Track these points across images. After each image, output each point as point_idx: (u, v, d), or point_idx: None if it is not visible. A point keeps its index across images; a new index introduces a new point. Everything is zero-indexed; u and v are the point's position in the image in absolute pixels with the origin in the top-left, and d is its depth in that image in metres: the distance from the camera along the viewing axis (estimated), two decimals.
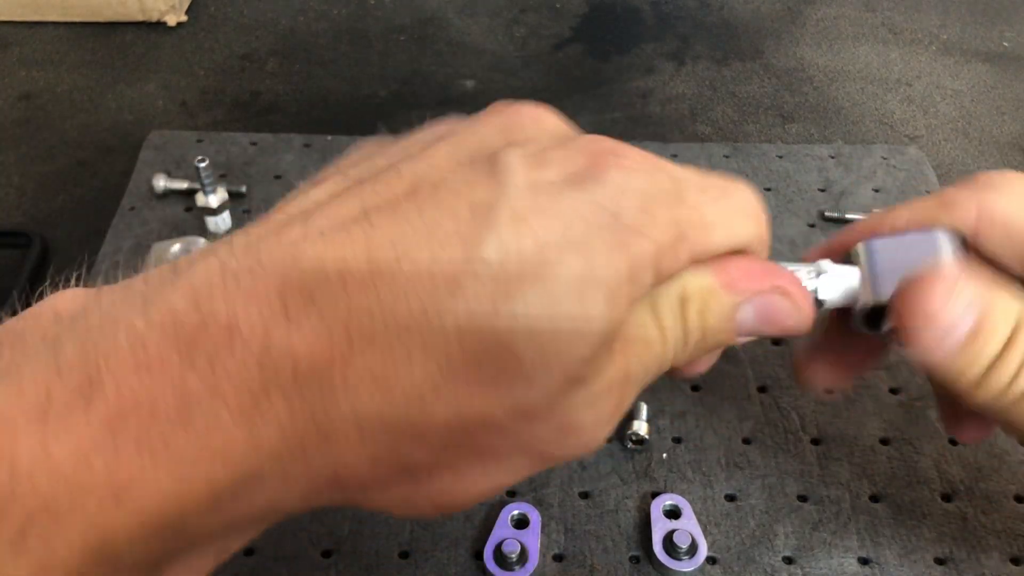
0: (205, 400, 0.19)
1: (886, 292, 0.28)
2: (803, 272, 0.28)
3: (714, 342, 0.25)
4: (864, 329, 0.29)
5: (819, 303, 0.28)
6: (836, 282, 0.28)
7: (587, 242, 0.21)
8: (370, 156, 0.26)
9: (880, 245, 0.29)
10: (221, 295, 0.20)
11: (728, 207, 0.25)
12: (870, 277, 0.28)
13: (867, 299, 0.28)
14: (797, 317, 0.25)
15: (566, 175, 0.22)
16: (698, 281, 0.24)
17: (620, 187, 0.22)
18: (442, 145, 0.24)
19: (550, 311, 0.20)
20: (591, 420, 0.23)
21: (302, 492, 0.21)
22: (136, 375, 0.19)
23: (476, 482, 0.23)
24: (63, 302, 0.22)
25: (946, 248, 0.28)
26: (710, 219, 0.24)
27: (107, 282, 0.23)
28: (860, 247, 0.29)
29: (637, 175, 0.23)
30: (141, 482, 0.18)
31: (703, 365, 0.28)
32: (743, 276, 0.24)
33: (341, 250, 0.20)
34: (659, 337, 0.24)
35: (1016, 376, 0.26)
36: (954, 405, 0.32)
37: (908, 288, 0.26)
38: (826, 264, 0.28)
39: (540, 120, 0.26)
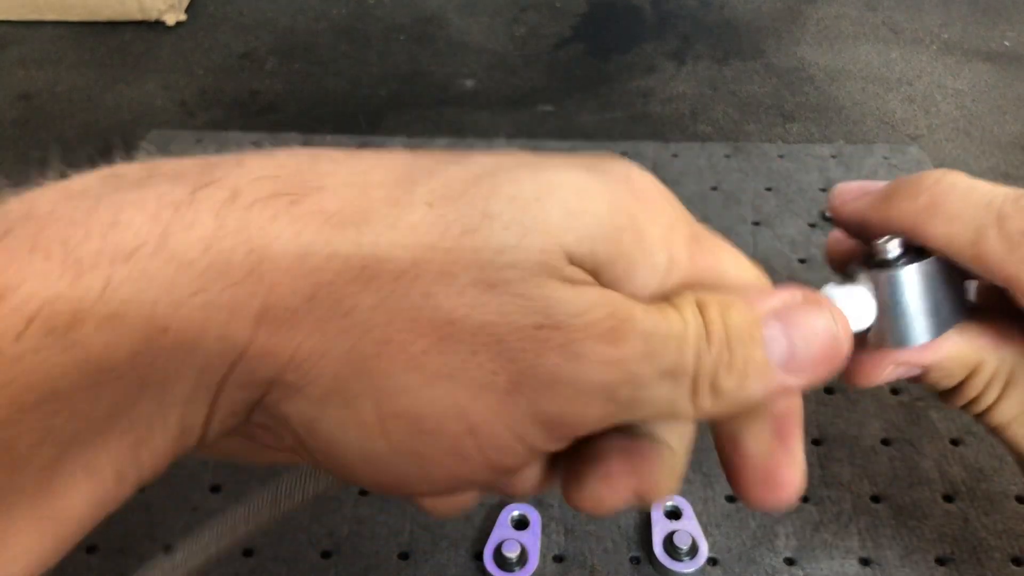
0: None
1: (917, 334, 0.26)
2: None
3: (750, 376, 0.21)
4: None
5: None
6: (851, 309, 0.25)
7: None
8: None
9: (885, 278, 0.26)
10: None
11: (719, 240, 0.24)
12: (889, 305, 0.26)
13: (889, 329, 0.26)
14: (837, 334, 0.22)
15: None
16: (712, 295, 0.22)
17: None
18: None
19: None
20: None
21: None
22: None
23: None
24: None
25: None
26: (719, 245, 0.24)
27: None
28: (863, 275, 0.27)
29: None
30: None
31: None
32: (781, 304, 0.22)
33: None
34: (668, 334, 0.20)
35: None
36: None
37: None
38: (830, 289, 0.26)
39: None
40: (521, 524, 0.39)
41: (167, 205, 0.19)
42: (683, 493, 0.41)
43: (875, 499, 0.41)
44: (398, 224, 0.19)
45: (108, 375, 0.18)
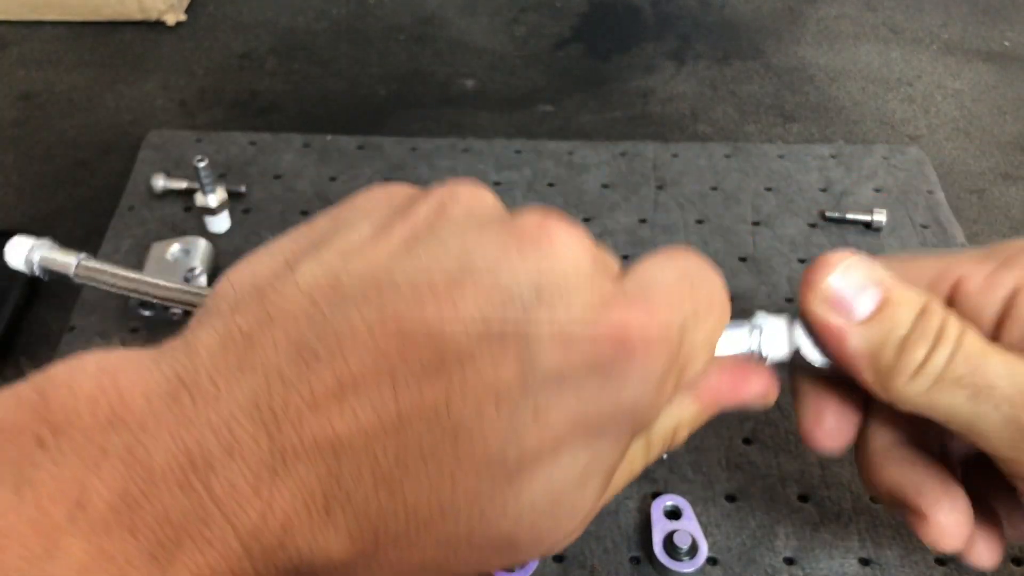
0: None
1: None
2: (744, 332, 0.28)
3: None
4: (808, 368, 0.28)
5: (763, 358, 0.27)
6: (774, 335, 0.27)
7: (599, 432, 0.22)
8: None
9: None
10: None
11: (710, 323, 0.25)
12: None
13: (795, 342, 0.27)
14: (763, 400, 0.27)
15: (585, 361, 0.21)
16: (688, 411, 0.26)
17: (639, 374, 0.22)
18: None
19: (552, 505, 0.22)
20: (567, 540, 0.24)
21: None
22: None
23: None
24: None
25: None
26: (699, 347, 0.24)
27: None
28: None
29: (653, 350, 0.22)
30: None
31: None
32: (722, 393, 0.26)
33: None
34: (643, 459, 0.26)
35: (928, 358, 0.25)
36: (818, 400, 0.29)
37: (807, 274, 0.26)
38: (760, 318, 0.28)
39: (478, 198, 0.24)
40: None
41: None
42: (683, 493, 0.41)
43: (875, 499, 0.41)
44: None
45: None
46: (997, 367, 0.24)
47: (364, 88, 0.69)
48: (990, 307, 0.26)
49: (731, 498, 0.41)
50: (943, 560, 0.39)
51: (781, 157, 0.60)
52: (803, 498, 0.41)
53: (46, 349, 0.49)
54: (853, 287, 0.25)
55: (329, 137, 0.61)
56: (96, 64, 0.71)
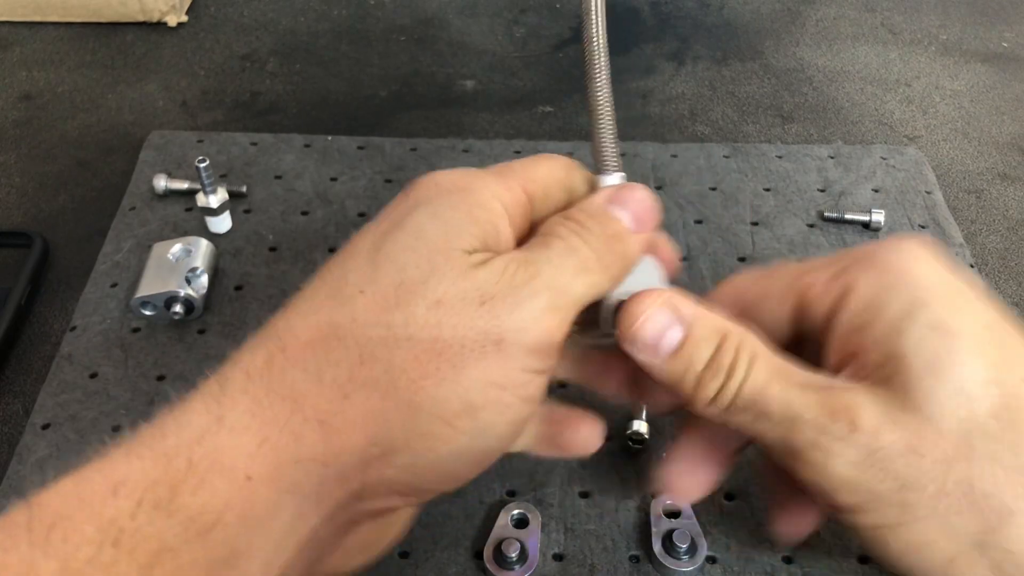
0: None
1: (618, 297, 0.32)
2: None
3: (612, 238, 0.31)
4: (606, 331, 0.32)
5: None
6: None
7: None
8: None
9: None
10: None
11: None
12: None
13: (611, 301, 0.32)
14: (649, 197, 0.32)
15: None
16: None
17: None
18: None
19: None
20: None
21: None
22: None
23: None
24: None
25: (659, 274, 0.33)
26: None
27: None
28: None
29: None
30: None
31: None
32: (588, 196, 0.32)
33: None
34: (565, 250, 0.30)
35: (720, 391, 0.29)
36: (782, 491, 0.35)
37: (621, 316, 0.31)
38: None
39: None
40: (521, 523, 0.39)
41: (212, 403, 0.26)
42: None
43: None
44: None
45: (209, 526, 0.24)
46: (773, 397, 0.29)
47: (365, 89, 0.69)
48: (825, 305, 0.31)
49: (730, 497, 0.41)
50: None
51: (780, 157, 0.60)
52: None
53: (47, 348, 0.49)
54: (658, 328, 0.30)
55: (330, 138, 0.61)
56: (98, 65, 0.71)
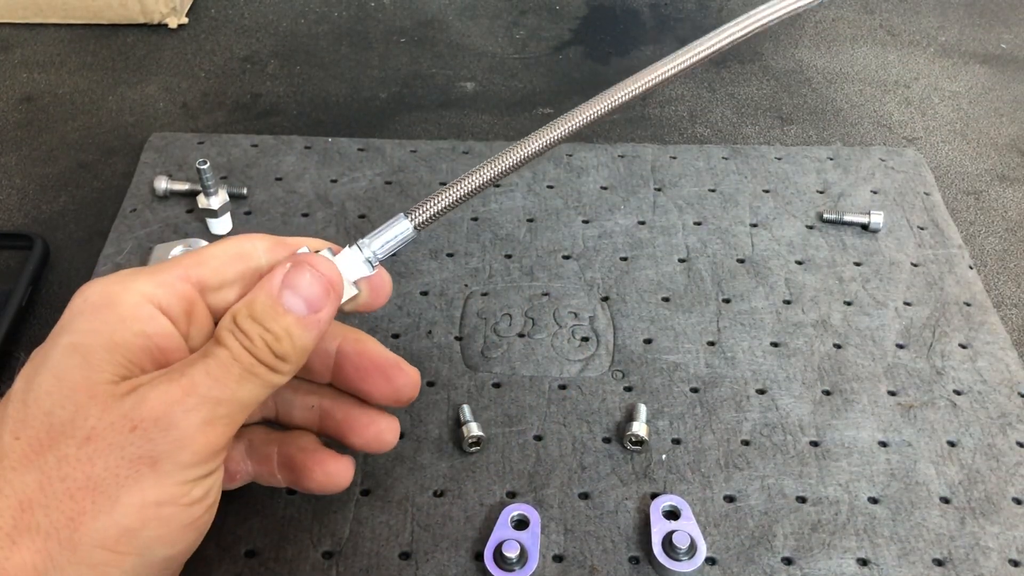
0: None
1: None
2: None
3: (283, 330, 0.31)
4: None
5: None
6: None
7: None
8: None
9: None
10: None
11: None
12: None
13: None
14: (323, 274, 0.32)
15: None
16: (240, 303, 0.32)
17: None
18: None
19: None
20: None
21: None
22: None
23: None
24: None
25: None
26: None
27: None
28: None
29: None
30: None
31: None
32: (266, 279, 0.32)
33: None
34: (229, 359, 0.30)
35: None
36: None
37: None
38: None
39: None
40: (521, 524, 0.40)
41: None
42: (682, 493, 0.41)
43: (873, 500, 0.41)
44: None
45: None
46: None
47: (365, 91, 0.70)
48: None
49: (730, 498, 0.41)
50: (941, 561, 0.39)
51: (779, 159, 0.60)
52: (801, 499, 0.41)
53: None
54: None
55: (330, 139, 0.61)
56: (99, 67, 0.71)
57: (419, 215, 0.35)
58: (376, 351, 0.37)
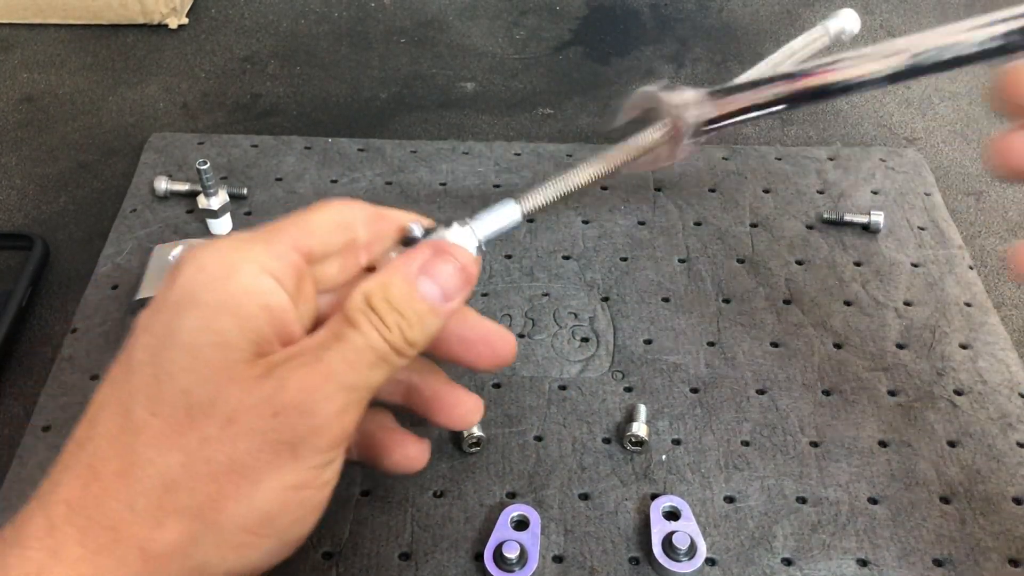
0: None
1: None
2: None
3: (417, 319, 0.31)
4: None
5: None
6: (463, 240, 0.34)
7: None
8: None
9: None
10: None
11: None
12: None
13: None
14: (464, 266, 0.32)
15: None
16: (371, 282, 0.31)
17: None
18: None
19: None
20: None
21: None
22: None
23: None
24: None
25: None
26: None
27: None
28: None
29: None
30: None
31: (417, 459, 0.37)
32: (400, 261, 0.32)
33: None
34: (365, 345, 0.30)
35: None
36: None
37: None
38: (444, 232, 0.34)
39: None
40: (521, 525, 0.40)
41: (44, 536, 0.27)
42: (681, 494, 0.41)
43: (872, 500, 0.41)
44: None
45: None
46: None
47: (365, 91, 0.70)
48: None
49: (730, 499, 0.41)
50: (941, 561, 0.39)
51: (779, 159, 0.60)
52: (801, 499, 0.41)
53: (48, 350, 0.49)
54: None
55: (330, 140, 0.61)
56: (99, 67, 0.71)
57: (529, 202, 0.34)
58: (477, 321, 0.37)
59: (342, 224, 0.34)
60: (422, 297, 0.31)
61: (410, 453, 0.37)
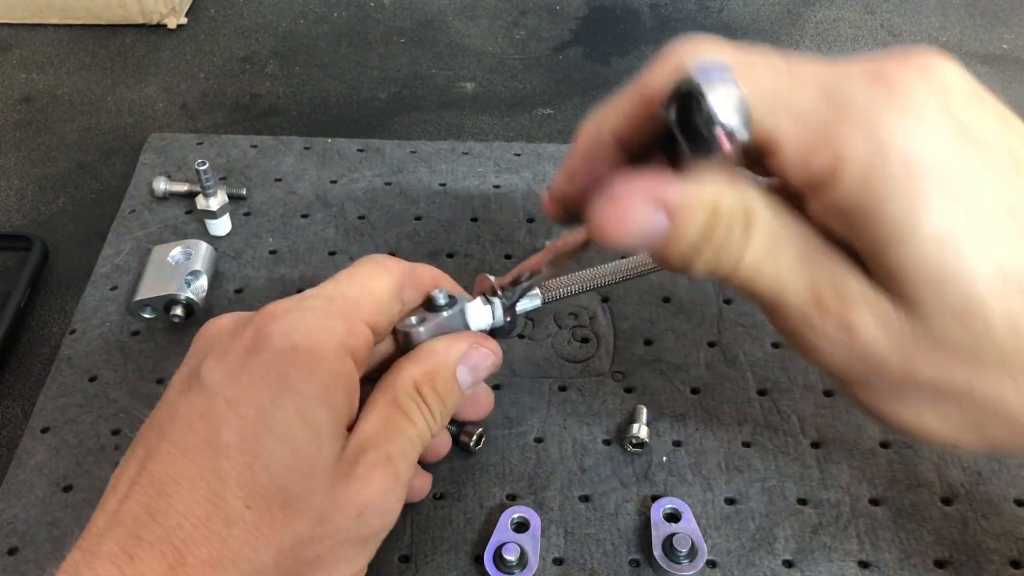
0: None
1: None
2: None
3: (452, 405, 0.35)
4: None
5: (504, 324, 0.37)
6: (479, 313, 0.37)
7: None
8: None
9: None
10: None
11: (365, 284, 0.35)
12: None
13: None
14: (495, 356, 0.36)
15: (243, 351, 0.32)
16: (418, 369, 0.34)
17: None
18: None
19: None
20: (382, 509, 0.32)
21: None
22: None
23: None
24: None
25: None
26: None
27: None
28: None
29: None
30: None
31: (443, 448, 0.41)
32: (443, 349, 0.35)
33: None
34: (417, 437, 0.33)
35: (714, 268, 0.27)
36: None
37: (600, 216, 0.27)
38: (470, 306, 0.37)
39: (218, 322, 0.35)
40: (521, 527, 0.39)
41: None
42: (682, 496, 0.41)
43: (874, 502, 0.41)
44: None
45: None
46: (764, 282, 0.27)
47: (364, 91, 0.69)
48: (803, 173, 0.26)
49: (730, 501, 0.41)
50: (942, 563, 0.39)
51: None
52: (802, 501, 0.41)
53: (47, 351, 0.49)
54: (639, 222, 0.26)
55: (329, 140, 0.61)
56: (97, 67, 0.71)
57: (551, 292, 0.38)
58: None
59: (398, 294, 0.35)
60: (461, 385, 0.35)
61: (413, 484, 0.39)
